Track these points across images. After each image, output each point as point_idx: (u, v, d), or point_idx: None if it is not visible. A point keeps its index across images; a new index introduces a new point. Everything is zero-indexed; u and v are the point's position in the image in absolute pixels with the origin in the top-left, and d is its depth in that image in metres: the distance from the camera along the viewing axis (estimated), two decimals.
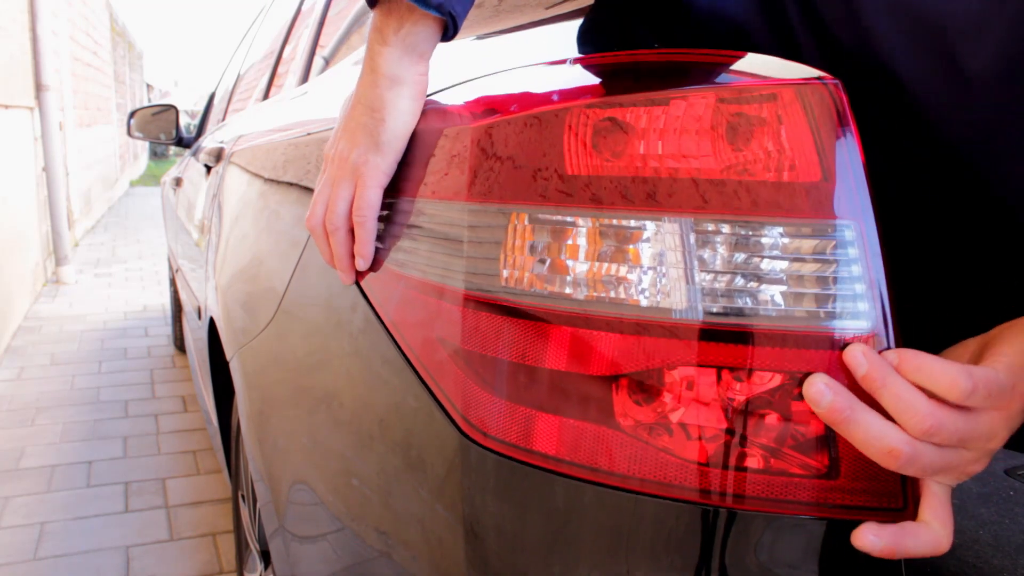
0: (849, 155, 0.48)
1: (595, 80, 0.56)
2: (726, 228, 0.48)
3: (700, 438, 0.48)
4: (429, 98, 0.69)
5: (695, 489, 0.48)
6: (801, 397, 0.47)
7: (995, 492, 0.90)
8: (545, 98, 0.54)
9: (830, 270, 0.47)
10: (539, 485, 0.52)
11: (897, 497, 0.47)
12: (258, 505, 1.10)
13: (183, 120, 3.72)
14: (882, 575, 0.49)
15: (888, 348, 0.47)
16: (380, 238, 0.66)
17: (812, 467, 0.47)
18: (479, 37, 0.79)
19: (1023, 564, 0.72)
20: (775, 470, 0.48)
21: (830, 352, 0.47)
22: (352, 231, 0.66)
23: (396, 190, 0.65)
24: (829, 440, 0.47)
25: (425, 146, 0.61)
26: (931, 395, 0.46)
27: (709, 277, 0.48)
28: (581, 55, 0.61)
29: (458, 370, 0.55)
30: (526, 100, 0.55)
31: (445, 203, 0.57)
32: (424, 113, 0.65)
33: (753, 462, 0.48)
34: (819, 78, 0.48)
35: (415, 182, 0.61)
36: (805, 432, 0.47)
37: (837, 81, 0.49)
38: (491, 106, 0.57)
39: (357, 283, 0.70)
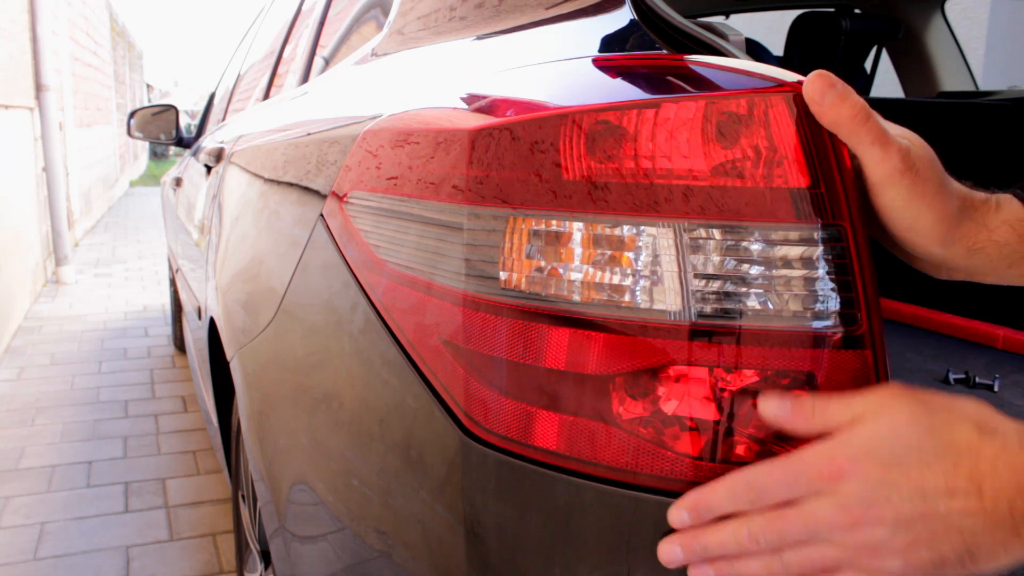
0: (837, 160, 0.48)
1: (592, 84, 0.56)
2: (718, 233, 0.48)
3: (692, 433, 0.49)
4: (430, 99, 0.69)
5: (688, 482, 0.49)
6: (789, 392, 0.48)
7: None
8: (542, 103, 0.54)
9: (819, 273, 0.48)
10: (539, 485, 0.52)
11: None
12: (258, 505, 1.10)
13: (183, 120, 3.72)
14: None
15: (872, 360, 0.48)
16: (382, 238, 0.67)
17: None
18: (479, 37, 0.79)
19: (1023, 564, 0.72)
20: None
21: (819, 351, 0.48)
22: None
23: (398, 190, 0.65)
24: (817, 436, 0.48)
25: (426, 148, 0.61)
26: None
27: (701, 280, 0.49)
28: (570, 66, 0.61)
29: (460, 368, 0.55)
30: (523, 104, 0.56)
31: (445, 205, 0.57)
32: (425, 114, 0.65)
33: (741, 455, 0.48)
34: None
35: (416, 183, 0.61)
36: None
37: None
38: (489, 110, 0.58)
39: (358, 283, 0.70)
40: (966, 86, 2.05)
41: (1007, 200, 0.52)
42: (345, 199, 0.75)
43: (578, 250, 0.51)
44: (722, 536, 0.46)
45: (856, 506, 0.43)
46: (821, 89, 0.47)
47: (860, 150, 0.48)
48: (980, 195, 0.52)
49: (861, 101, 0.47)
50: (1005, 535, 0.42)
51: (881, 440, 0.43)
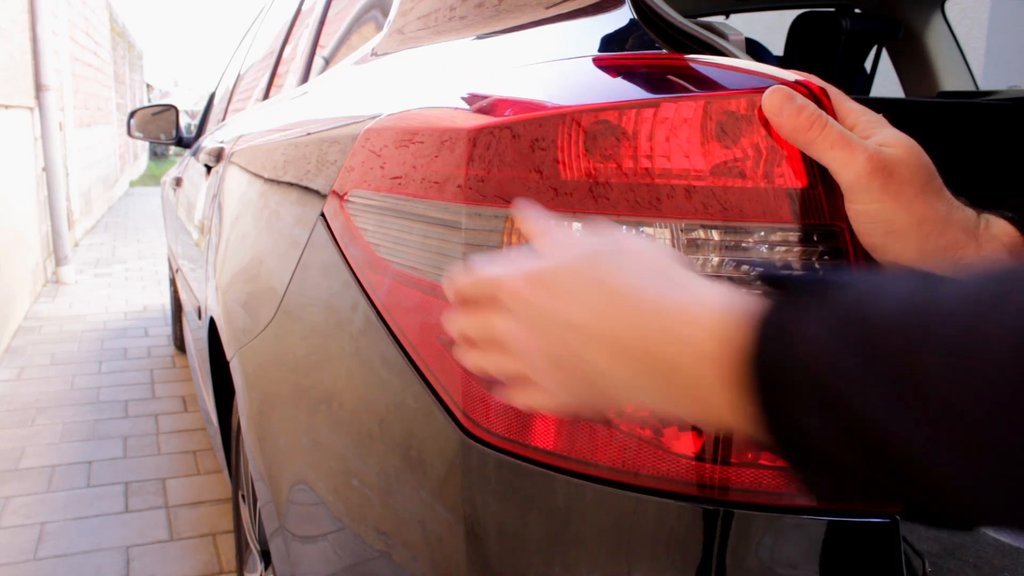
0: None
1: (592, 83, 0.56)
2: (716, 233, 0.48)
3: (689, 433, 0.49)
4: (430, 99, 0.69)
5: (684, 482, 0.49)
6: None
7: None
8: (542, 102, 0.54)
9: (817, 273, 0.48)
10: (539, 485, 0.52)
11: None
12: (258, 505, 1.10)
13: (183, 120, 3.71)
14: (882, 575, 0.49)
15: None
16: (383, 237, 0.67)
17: None
18: (479, 37, 0.79)
19: (1023, 564, 0.72)
20: (761, 463, 0.48)
21: None
22: None
23: (399, 189, 0.65)
24: None
25: (426, 147, 0.61)
26: None
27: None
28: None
29: (459, 368, 0.55)
30: (523, 104, 0.56)
31: (444, 204, 0.57)
32: (425, 113, 0.65)
33: (740, 455, 0.48)
34: (804, 84, 0.49)
35: (416, 182, 0.61)
36: None
37: (823, 86, 0.50)
38: (489, 109, 0.58)
39: (358, 282, 0.70)
40: (966, 86, 2.05)
41: (995, 220, 0.51)
42: (346, 198, 0.75)
43: None
44: (461, 321, 0.48)
45: (525, 322, 0.44)
46: (779, 102, 0.47)
47: (824, 157, 0.47)
48: (971, 211, 0.51)
49: (818, 110, 0.47)
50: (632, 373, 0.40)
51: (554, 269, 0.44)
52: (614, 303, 0.40)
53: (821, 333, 0.33)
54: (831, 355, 0.33)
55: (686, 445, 0.49)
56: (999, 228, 0.50)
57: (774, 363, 0.34)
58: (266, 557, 1.31)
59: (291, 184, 1.00)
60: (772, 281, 0.38)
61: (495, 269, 0.46)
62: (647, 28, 0.61)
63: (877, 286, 0.34)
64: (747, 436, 0.37)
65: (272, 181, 1.13)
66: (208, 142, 2.29)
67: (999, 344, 0.28)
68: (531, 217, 0.47)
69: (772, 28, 2.40)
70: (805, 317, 0.34)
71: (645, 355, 0.39)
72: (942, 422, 0.29)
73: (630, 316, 0.40)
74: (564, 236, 0.45)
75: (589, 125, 0.50)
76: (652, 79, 0.54)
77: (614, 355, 0.40)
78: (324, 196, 0.82)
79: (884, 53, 2.09)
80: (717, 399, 0.37)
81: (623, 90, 0.53)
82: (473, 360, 0.48)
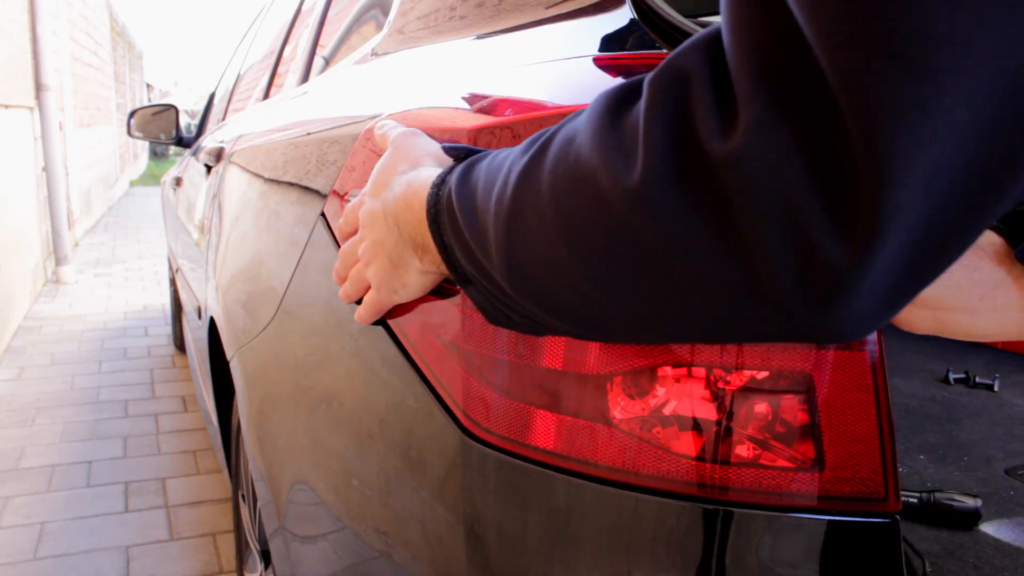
0: None
1: (592, 83, 0.56)
2: None
3: (689, 432, 0.49)
4: (430, 98, 0.69)
5: (684, 481, 0.49)
6: (787, 392, 0.47)
7: (995, 492, 0.90)
8: (542, 102, 0.54)
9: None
10: (539, 484, 0.52)
11: (879, 487, 0.48)
12: (258, 505, 1.10)
13: (183, 120, 3.72)
14: (882, 575, 0.49)
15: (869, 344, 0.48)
16: None
17: (798, 459, 0.48)
18: (479, 37, 0.79)
19: (1023, 564, 0.72)
20: (761, 463, 0.48)
21: (818, 350, 0.48)
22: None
23: None
24: (815, 433, 0.48)
25: None
26: None
27: None
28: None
29: (459, 368, 0.55)
30: (523, 103, 0.56)
31: None
32: (426, 113, 0.65)
33: (740, 455, 0.48)
34: None
35: None
36: (791, 426, 0.48)
37: None
38: (490, 109, 0.58)
39: None
40: None
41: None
42: (346, 198, 0.75)
43: None
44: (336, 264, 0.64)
45: (363, 226, 0.57)
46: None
47: None
48: None
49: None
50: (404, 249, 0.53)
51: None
52: (390, 191, 0.54)
53: (455, 183, 0.46)
54: (456, 198, 0.45)
55: (686, 445, 0.49)
56: (984, 238, 0.50)
57: (436, 206, 0.47)
58: (266, 557, 1.31)
59: (291, 184, 1.00)
60: (455, 153, 0.52)
61: (357, 199, 0.59)
62: (647, 28, 0.61)
63: (489, 154, 0.46)
64: (445, 274, 0.50)
65: (272, 181, 1.13)
66: (208, 142, 2.29)
67: (504, 191, 0.40)
68: (382, 134, 0.60)
69: None
70: (454, 174, 0.47)
71: (399, 222, 0.52)
72: (488, 243, 0.42)
73: (391, 197, 0.53)
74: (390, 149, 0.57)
75: None
76: None
77: (388, 226, 0.53)
78: (324, 196, 0.82)
79: None
80: (430, 247, 0.49)
81: None
82: (343, 291, 0.62)
